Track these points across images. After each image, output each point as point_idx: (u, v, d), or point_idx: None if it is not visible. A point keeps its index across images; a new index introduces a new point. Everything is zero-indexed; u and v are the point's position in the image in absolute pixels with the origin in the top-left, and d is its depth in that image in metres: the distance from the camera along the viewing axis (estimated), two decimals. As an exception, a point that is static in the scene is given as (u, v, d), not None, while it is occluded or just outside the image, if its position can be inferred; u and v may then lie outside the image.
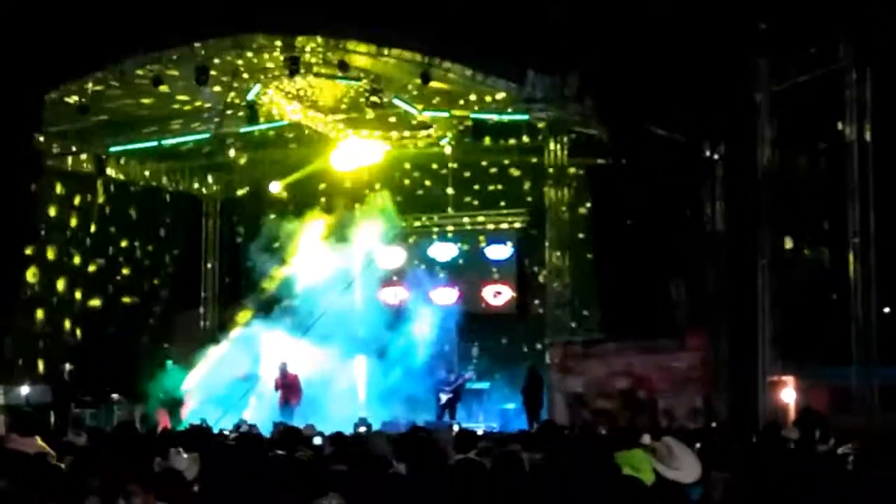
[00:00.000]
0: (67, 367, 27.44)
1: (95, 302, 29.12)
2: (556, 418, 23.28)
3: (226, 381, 28.11)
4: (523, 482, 9.55)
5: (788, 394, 22.28)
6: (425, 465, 10.17)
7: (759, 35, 21.88)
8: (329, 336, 27.83)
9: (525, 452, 11.27)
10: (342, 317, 28.65)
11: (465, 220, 29.90)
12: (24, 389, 25.92)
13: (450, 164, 29.00)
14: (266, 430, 18.33)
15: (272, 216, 29.44)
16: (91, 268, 29.08)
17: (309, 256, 28.97)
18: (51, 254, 27.98)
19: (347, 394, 28.35)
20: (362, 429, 21.35)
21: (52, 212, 28.06)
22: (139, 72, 24.40)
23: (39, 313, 27.73)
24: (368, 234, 28.72)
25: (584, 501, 9.24)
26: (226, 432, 19.18)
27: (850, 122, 21.02)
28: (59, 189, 28.27)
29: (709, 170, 23.93)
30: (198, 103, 26.31)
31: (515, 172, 28.97)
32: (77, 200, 28.76)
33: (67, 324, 28.48)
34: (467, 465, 9.60)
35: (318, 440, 14.66)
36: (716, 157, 23.65)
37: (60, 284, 28.28)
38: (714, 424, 20.80)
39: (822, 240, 22.43)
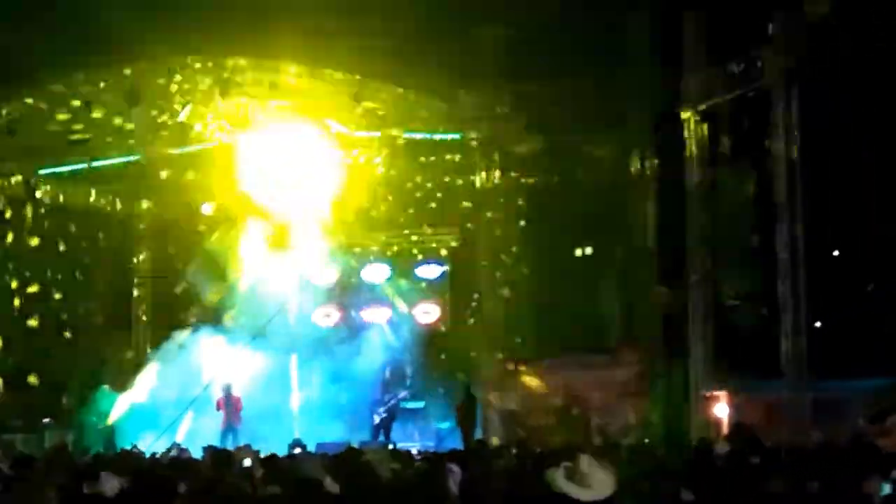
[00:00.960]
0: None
1: (28, 324, 28.75)
2: (490, 436, 23.32)
3: (160, 404, 27.86)
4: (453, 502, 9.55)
5: (721, 408, 22.45)
6: (357, 486, 10.15)
7: (687, 52, 22.10)
8: (263, 356, 27.68)
9: (458, 472, 11.29)
10: (277, 338, 28.51)
11: (397, 239, 29.83)
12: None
13: (381, 185, 28.89)
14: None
15: (205, 237, 29.16)
16: (22, 290, 28.73)
17: (243, 277, 28.76)
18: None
19: (281, 415, 28.23)
20: (297, 450, 21.22)
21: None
22: (69, 93, 24.27)
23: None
24: (302, 254, 28.61)
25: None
26: (157, 456, 19.02)
27: (778, 138, 21.27)
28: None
29: (640, 185, 24.10)
30: (129, 125, 26.12)
31: (447, 191, 28.89)
32: (7, 222, 28.44)
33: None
34: (397, 485, 9.60)
35: (247, 462, 14.60)
36: (647, 172, 23.81)
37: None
38: (647, 441, 20.92)
39: (752, 256, 22.61)
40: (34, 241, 28.83)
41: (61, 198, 29.94)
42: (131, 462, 15.25)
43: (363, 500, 9.60)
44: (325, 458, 14.09)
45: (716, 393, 22.57)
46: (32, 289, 28.97)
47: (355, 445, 18.90)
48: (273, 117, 26.28)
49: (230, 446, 21.80)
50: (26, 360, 28.32)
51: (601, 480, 8.28)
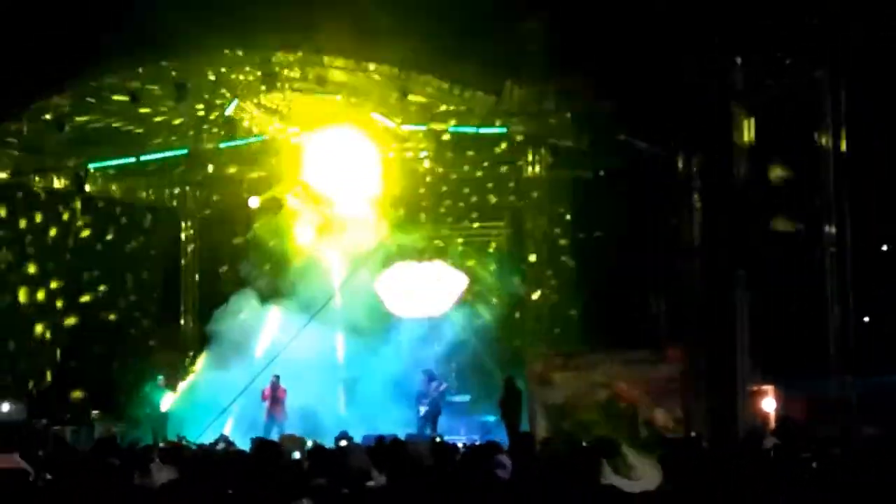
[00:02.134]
0: (46, 383, 27.40)
1: (73, 319, 28.98)
2: (535, 430, 23.30)
3: (208, 396, 28.03)
4: (500, 493, 9.56)
5: (768, 403, 22.36)
6: (402, 477, 10.18)
7: (736, 45, 21.99)
8: (309, 350, 27.78)
9: (503, 464, 11.32)
10: (321, 334, 28.62)
11: (445, 233, 29.79)
12: (2, 407, 25.84)
13: (428, 178, 28.91)
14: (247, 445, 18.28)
15: (252, 230, 29.26)
16: (70, 283, 28.96)
17: (288, 271, 28.86)
18: (32, 269, 27.91)
19: (329, 407, 28.35)
20: (343, 442, 21.30)
21: (31, 228, 28.02)
22: (117, 88, 24.46)
23: (17, 330, 27.63)
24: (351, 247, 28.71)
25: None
26: (205, 446, 19.17)
27: (826, 132, 21.15)
28: (38, 205, 28.24)
29: (686, 181, 24.00)
30: (176, 120, 26.28)
31: (494, 185, 28.88)
32: (56, 216, 28.67)
33: (47, 339, 28.34)
34: (443, 476, 9.62)
35: (296, 454, 14.67)
36: (693, 168, 23.71)
37: (40, 300, 28.18)
38: (693, 434, 20.84)
39: (800, 249, 22.49)
40: (83, 235, 29.10)
41: (110, 191, 30.18)
42: (180, 453, 15.33)
43: (409, 491, 9.63)
44: (371, 450, 14.15)
45: (762, 388, 22.49)
46: (81, 282, 29.23)
47: (401, 438, 18.98)
48: (320, 111, 26.36)
49: (274, 438, 21.96)
50: (76, 353, 28.59)
51: (648, 473, 8.33)
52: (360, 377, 28.39)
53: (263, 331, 28.80)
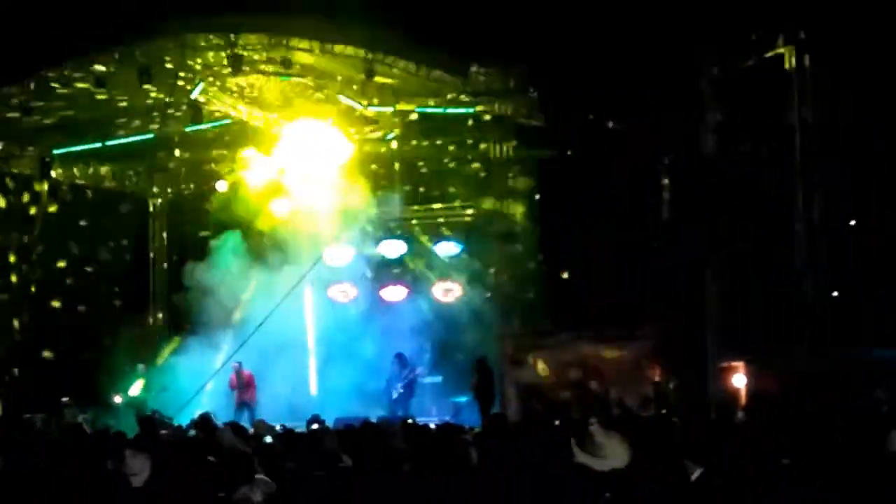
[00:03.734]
0: (15, 372, 27.27)
1: (41, 306, 28.82)
2: (508, 411, 23.31)
3: (179, 384, 27.94)
4: (472, 473, 9.53)
5: (738, 379, 22.41)
6: (372, 459, 10.15)
7: (701, 22, 21.97)
8: (280, 333, 27.73)
9: (474, 444, 11.29)
10: (293, 314, 28.59)
11: (413, 216, 29.75)
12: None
13: (396, 161, 28.86)
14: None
15: (220, 215, 29.11)
16: (38, 269, 28.80)
17: (257, 255, 28.78)
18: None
19: (301, 391, 28.34)
20: (315, 426, 21.24)
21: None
22: (81, 73, 24.31)
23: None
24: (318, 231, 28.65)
25: (536, 491, 9.22)
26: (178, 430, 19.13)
27: (793, 107, 21.18)
28: (3, 191, 28.07)
29: (655, 158, 24.02)
30: (141, 104, 26.13)
31: (462, 166, 28.84)
32: (22, 202, 28.50)
33: (14, 328, 28.19)
34: (414, 457, 9.59)
35: (268, 438, 14.61)
36: (662, 146, 23.73)
37: (5, 289, 28.02)
38: (664, 412, 20.89)
39: (769, 225, 22.53)
40: (49, 221, 28.94)
41: (76, 177, 30.02)
42: (153, 440, 15.26)
43: (379, 473, 9.60)
44: (342, 433, 14.12)
45: (733, 364, 22.54)
46: (48, 269, 29.08)
47: (373, 420, 18.94)
48: (286, 94, 26.26)
49: (246, 423, 21.87)
50: (45, 340, 28.45)
51: (616, 450, 8.30)
52: (333, 360, 28.32)
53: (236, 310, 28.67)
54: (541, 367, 24.57)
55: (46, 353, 28.31)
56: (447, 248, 29.41)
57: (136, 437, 14.38)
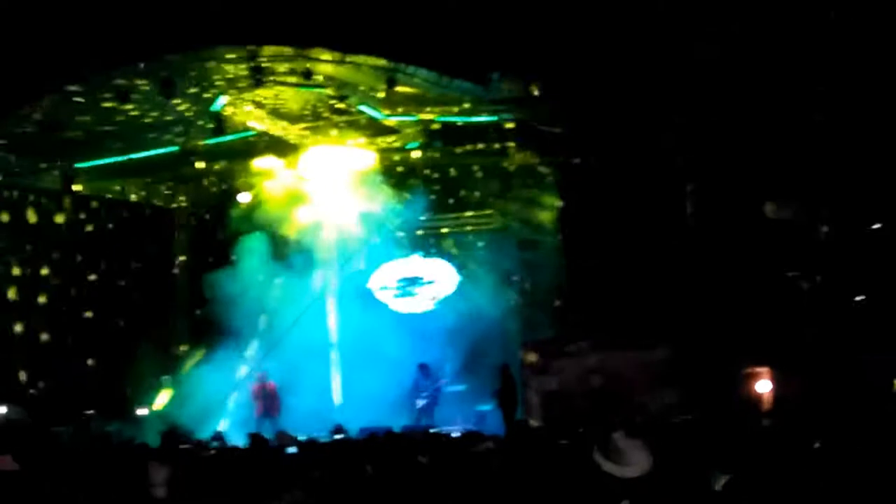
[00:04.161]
0: (41, 384, 27.37)
1: (67, 319, 28.94)
2: (530, 418, 23.33)
3: (204, 394, 28.05)
4: (491, 480, 9.56)
5: (763, 385, 22.38)
6: (394, 468, 10.19)
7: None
8: (304, 343, 27.82)
9: (496, 451, 11.32)
10: (316, 323, 28.69)
11: (436, 224, 29.77)
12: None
13: (418, 169, 28.92)
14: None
15: (243, 226, 29.17)
16: (61, 284, 28.93)
17: (280, 266, 28.84)
18: (16, 270, 27.87)
19: (324, 401, 28.42)
20: (338, 436, 21.33)
21: (21, 228, 28.01)
22: (104, 87, 24.41)
23: (12, 331, 27.60)
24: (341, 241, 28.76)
25: (557, 499, 9.26)
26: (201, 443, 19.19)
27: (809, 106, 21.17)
28: (28, 205, 28.21)
29: (678, 163, 24.00)
30: (165, 117, 26.23)
31: (484, 174, 28.87)
32: (45, 217, 28.63)
33: (41, 340, 28.28)
34: (436, 466, 9.63)
35: (292, 449, 14.68)
36: (683, 152, 23.71)
37: (32, 301, 28.13)
38: (687, 418, 20.86)
39: (792, 230, 22.49)
40: (74, 234, 29.06)
41: (100, 190, 30.14)
42: (174, 451, 15.35)
43: (401, 481, 9.64)
44: (365, 443, 14.17)
45: (757, 369, 22.50)
46: (73, 282, 29.20)
47: (396, 430, 19.03)
48: (308, 104, 26.33)
49: (269, 435, 21.95)
50: (71, 351, 28.54)
51: (638, 457, 8.31)
52: (357, 369, 28.36)
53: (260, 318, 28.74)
54: (563, 374, 24.60)
55: (72, 365, 28.35)
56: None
57: (159, 450, 14.50)
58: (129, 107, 25.06)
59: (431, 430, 21.03)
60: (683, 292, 23.71)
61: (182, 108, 25.71)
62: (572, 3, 21.33)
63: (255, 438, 16.04)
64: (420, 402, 26.80)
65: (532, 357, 24.90)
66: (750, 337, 22.41)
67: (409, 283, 29.77)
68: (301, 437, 18.23)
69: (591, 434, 14.85)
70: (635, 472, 8.34)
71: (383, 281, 29.57)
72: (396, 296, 29.72)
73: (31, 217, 28.18)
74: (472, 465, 10.30)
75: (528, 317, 26.29)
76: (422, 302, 29.55)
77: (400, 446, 12.67)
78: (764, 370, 22.44)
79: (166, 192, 32.11)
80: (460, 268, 29.60)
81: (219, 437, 21.09)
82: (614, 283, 24.71)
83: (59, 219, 28.87)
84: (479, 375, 27.45)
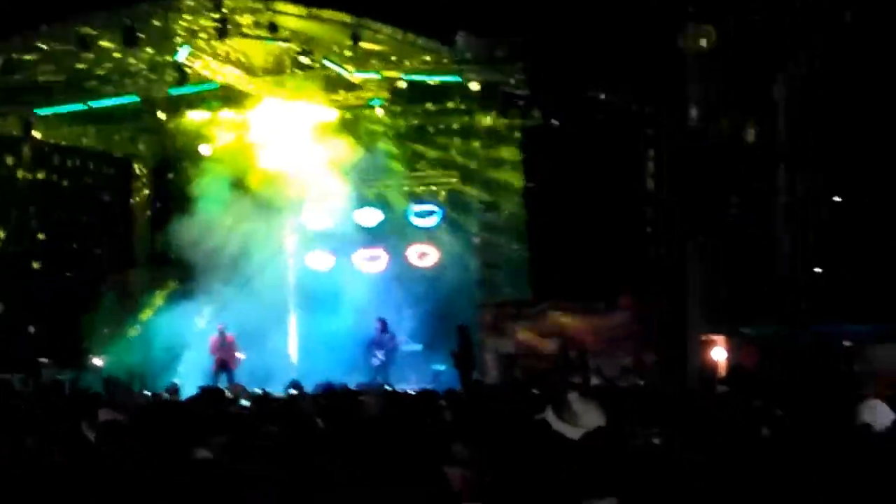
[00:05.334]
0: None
1: (23, 266, 28.76)
2: (487, 379, 23.37)
3: (161, 346, 27.98)
4: (443, 436, 9.52)
5: (718, 352, 22.50)
6: (346, 423, 10.16)
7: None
8: (260, 300, 27.74)
9: (450, 410, 11.30)
10: (273, 281, 28.61)
11: (394, 182, 29.66)
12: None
13: (379, 127, 28.75)
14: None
15: (203, 178, 28.96)
16: (21, 231, 28.73)
17: (239, 220, 28.65)
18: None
19: (280, 357, 28.38)
20: (293, 391, 21.27)
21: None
22: (67, 34, 24.22)
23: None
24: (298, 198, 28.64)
25: (508, 455, 9.22)
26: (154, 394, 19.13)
27: (779, 83, 21.18)
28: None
29: (641, 131, 24.00)
30: (126, 66, 26.02)
31: (447, 134, 28.74)
32: (3, 162, 28.42)
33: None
34: (386, 422, 9.60)
35: (245, 402, 14.62)
36: (647, 117, 23.70)
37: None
38: (642, 382, 20.98)
39: (752, 201, 22.57)
40: (32, 181, 28.86)
41: (59, 138, 29.88)
42: (128, 400, 15.29)
43: (353, 436, 9.59)
44: (318, 398, 14.15)
45: (713, 337, 22.60)
46: (30, 229, 29.02)
47: (352, 387, 19.00)
48: (271, 58, 26.16)
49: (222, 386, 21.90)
50: (27, 302, 28.36)
51: (592, 419, 8.29)
52: (313, 326, 28.33)
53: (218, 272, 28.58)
54: (521, 336, 24.62)
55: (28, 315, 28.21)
56: (427, 215, 29.39)
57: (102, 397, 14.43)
58: (91, 55, 24.87)
59: (387, 388, 20.97)
60: (643, 257, 23.77)
61: (144, 57, 25.51)
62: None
63: (206, 390, 15.97)
64: (376, 360, 26.75)
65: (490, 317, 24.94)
66: (707, 304, 22.50)
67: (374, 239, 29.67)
68: (257, 391, 18.20)
69: (545, 394, 14.88)
70: (586, 429, 8.31)
71: (343, 236, 29.40)
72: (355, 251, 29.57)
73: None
74: (424, 422, 10.26)
75: (488, 278, 26.26)
76: (380, 260, 29.45)
77: (352, 402, 12.63)
78: (720, 338, 22.55)
79: (127, 141, 31.81)
80: (420, 227, 29.48)
81: (173, 388, 20.95)
82: (575, 246, 24.73)
83: (16, 168, 28.64)
84: (436, 335, 27.42)
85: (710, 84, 22.29)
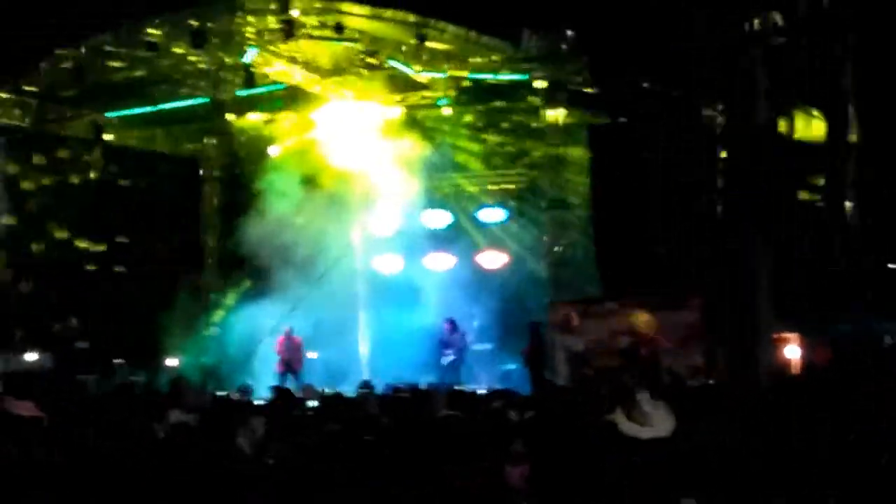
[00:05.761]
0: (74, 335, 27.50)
1: (96, 268, 29.04)
2: (557, 378, 23.27)
3: (234, 346, 28.19)
4: (507, 436, 9.49)
5: (791, 350, 22.25)
6: (411, 423, 10.16)
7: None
8: (332, 298, 27.83)
9: (515, 409, 11.27)
10: (344, 280, 28.68)
11: (461, 181, 29.64)
12: (27, 357, 25.99)
13: (445, 126, 28.75)
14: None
15: (272, 178, 29.08)
16: (91, 232, 29.02)
17: (309, 218, 28.74)
18: (53, 217, 28.00)
19: (352, 356, 28.47)
20: (364, 391, 21.31)
21: (49, 179, 28.09)
22: (136, 37, 24.46)
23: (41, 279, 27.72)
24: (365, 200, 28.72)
25: (575, 457, 9.18)
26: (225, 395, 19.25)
27: (847, 75, 20.90)
28: (59, 154, 28.30)
29: (708, 126, 23.78)
30: (195, 69, 26.22)
31: (513, 133, 28.68)
32: (76, 165, 28.71)
33: (69, 288, 28.37)
34: (449, 421, 9.58)
35: (314, 403, 14.69)
36: (714, 113, 23.46)
37: (62, 249, 28.24)
38: (711, 381, 20.78)
39: (821, 194, 22.31)
40: (104, 183, 29.13)
41: (129, 140, 30.17)
42: (199, 400, 15.38)
43: (418, 435, 9.60)
44: (386, 398, 14.17)
45: (786, 334, 22.35)
46: (103, 231, 29.28)
47: (422, 387, 19.01)
48: (338, 59, 26.24)
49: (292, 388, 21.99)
50: (101, 303, 28.63)
51: (661, 419, 8.24)
52: (385, 327, 28.36)
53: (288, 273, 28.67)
54: (591, 334, 24.47)
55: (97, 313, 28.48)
56: (493, 215, 29.35)
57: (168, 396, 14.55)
58: (159, 57, 25.10)
59: (456, 388, 20.95)
60: (714, 254, 23.56)
61: (212, 59, 25.70)
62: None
63: (279, 391, 16.06)
64: (446, 360, 26.75)
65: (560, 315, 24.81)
66: (780, 302, 22.27)
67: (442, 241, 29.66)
68: (328, 392, 18.26)
69: (615, 394, 14.79)
70: (657, 433, 8.29)
71: (412, 237, 29.43)
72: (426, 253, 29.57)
73: (59, 166, 28.28)
74: (490, 422, 10.24)
75: (557, 276, 26.14)
76: (449, 261, 29.43)
77: (420, 402, 12.64)
78: (793, 335, 22.31)
79: (196, 143, 32.05)
80: (487, 225, 29.45)
81: (245, 388, 21.07)
82: (644, 244, 24.58)
83: (88, 170, 28.95)
84: (506, 334, 27.35)
85: (778, 77, 22.03)
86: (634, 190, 24.73)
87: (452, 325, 27.14)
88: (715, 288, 22.87)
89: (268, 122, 29.29)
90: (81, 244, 28.80)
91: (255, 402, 15.98)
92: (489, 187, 29.54)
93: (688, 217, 23.90)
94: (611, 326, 24.19)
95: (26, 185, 27.78)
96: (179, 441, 9.47)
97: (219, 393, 21.25)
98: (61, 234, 28.34)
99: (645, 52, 22.34)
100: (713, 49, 21.46)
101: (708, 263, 23.11)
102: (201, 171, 32.40)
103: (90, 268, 29.09)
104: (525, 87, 26.10)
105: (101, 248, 29.32)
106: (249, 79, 26.07)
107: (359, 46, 24.98)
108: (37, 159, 27.82)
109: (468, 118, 28.42)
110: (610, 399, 13.83)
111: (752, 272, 22.05)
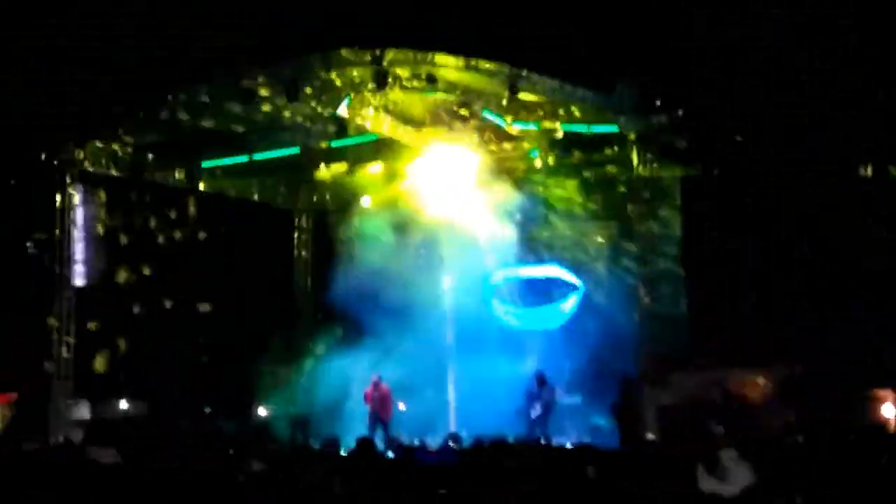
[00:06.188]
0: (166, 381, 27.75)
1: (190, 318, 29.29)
2: (646, 432, 23.03)
3: (324, 395, 28.24)
4: (591, 493, 9.38)
5: (887, 409, 21.86)
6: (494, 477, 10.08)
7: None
8: (422, 348, 27.83)
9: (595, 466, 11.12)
10: (434, 330, 28.66)
11: (552, 232, 29.51)
12: (122, 404, 26.28)
13: (539, 177, 28.70)
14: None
15: (363, 228, 29.23)
16: (189, 282, 29.25)
17: (400, 268, 28.81)
18: (147, 270, 28.25)
19: (440, 406, 28.39)
20: (452, 443, 21.23)
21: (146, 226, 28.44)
22: (230, 88, 24.75)
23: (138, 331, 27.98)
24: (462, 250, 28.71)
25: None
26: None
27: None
28: (153, 203, 28.66)
29: (802, 180, 23.54)
30: (288, 119, 26.45)
31: (606, 184, 28.55)
32: (170, 214, 29.03)
33: (162, 338, 28.61)
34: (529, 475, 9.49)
35: (390, 454, 14.66)
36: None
37: (154, 300, 28.49)
38: (801, 440, 20.43)
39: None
40: (198, 233, 29.39)
41: (223, 190, 30.47)
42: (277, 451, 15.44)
43: (493, 490, 9.53)
44: (470, 450, 14.08)
45: (881, 392, 21.97)
46: (196, 281, 29.52)
47: (510, 440, 18.89)
48: (430, 110, 26.35)
49: (377, 438, 21.96)
50: (194, 349, 28.89)
51: (741, 474, 8.10)
52: (475, 376, 28.26)
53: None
54: (683, 387, 24.20)
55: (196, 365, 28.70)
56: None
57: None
58: (253, 108, 25.36)
59: (542, 442, 20.81)
60: (808, 311, 23.25)
61: (305, 110, 25.92)
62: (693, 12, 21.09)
63: (363, 442, 16.00)
64: (534, 413, 26.55)
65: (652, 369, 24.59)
66: (875, 359, 21.91)
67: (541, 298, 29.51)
68: (415, 442, 18.21)
69: (699, 449, 14.58)
70: (734, 490, 8.15)
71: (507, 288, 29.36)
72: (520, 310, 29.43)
73: (154, 215, 28.61)
74: (573, 477, 10.11)
75: (647, 330, 25.90)
76: (553, 316, 29.25)
77: (503, 455, 12.52)
78: (888, 392, 21.91)
79: (288, 193, 32.34)
80: (579, 277, 29.27)
81: (331, 441, 21.11)
82: (737, 299, 24.33)
83: (181, 218, 29.25)
84: (595, 387, 27.11)
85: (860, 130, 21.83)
86: (728, 244, 24.53)
87: (541, 379, 26.96)
88: (810, 346, 22.60)
89: (358, 171, 29.41)
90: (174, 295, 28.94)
91: (341, 454, 16.01)
92: (582, 239, 29.38)
93: (784, 273, 23.66)
94: (702, 380, 23.91)
95: (122, 235, 28.10)
96: (253, 489, 9.48)
97: (306, 443, 21.31)
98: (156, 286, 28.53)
99: (739, 106, 22.21)
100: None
101: (804, 320, 22.86)
102: (294, 221, 32.63)
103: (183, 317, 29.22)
104: (618, 139, 26.04)
105: (206, 307, 29.40)
106: (341, 129, 26.23)
107: (451, 98, 25.05)
108: (132, 208, 28.12)
109: (561, 169, 28.34)
110: (694, 454, 13.65)
111: (845, 332, 21.79)
